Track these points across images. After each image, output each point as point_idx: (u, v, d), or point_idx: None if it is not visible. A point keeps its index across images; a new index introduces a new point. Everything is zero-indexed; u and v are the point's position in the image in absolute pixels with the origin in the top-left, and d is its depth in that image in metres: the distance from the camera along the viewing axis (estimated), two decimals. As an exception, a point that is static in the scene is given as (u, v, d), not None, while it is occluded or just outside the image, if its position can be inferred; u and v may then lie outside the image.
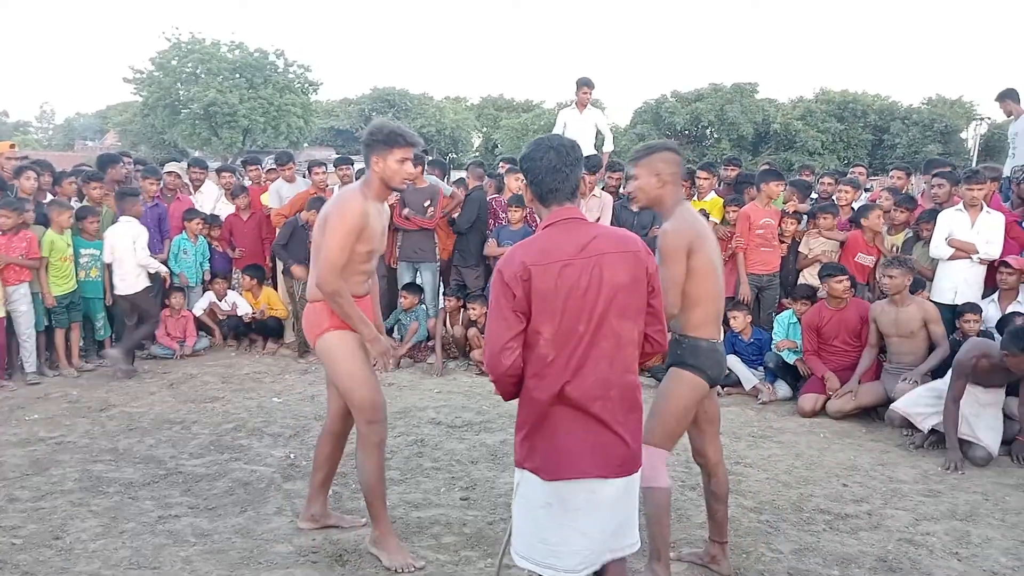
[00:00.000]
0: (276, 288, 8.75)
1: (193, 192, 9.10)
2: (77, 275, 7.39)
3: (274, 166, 9.36)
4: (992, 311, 6.45)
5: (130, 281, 7.43)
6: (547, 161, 2.69)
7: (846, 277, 6.63)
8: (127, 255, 7.39)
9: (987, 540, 4.23)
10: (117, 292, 7.48)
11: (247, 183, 9.40)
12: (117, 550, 3.88)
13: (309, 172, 8.88)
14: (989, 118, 38.50)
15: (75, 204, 7.75)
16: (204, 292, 8.54)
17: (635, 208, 7.64)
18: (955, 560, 4.00)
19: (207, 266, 8.57)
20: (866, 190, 9.21)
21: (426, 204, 8.08)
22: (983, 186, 6.63)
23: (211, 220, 8.72)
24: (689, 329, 3.49)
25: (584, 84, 9.64)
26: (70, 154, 42.01)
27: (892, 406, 5.95)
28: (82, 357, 7.57)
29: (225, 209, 8.96)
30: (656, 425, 3.48)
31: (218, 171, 9.82)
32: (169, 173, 8.62)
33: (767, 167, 8.89)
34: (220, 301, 8.44)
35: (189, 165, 9.45)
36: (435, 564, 3.81)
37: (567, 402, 2.61)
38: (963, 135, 41.60)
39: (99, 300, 7.63)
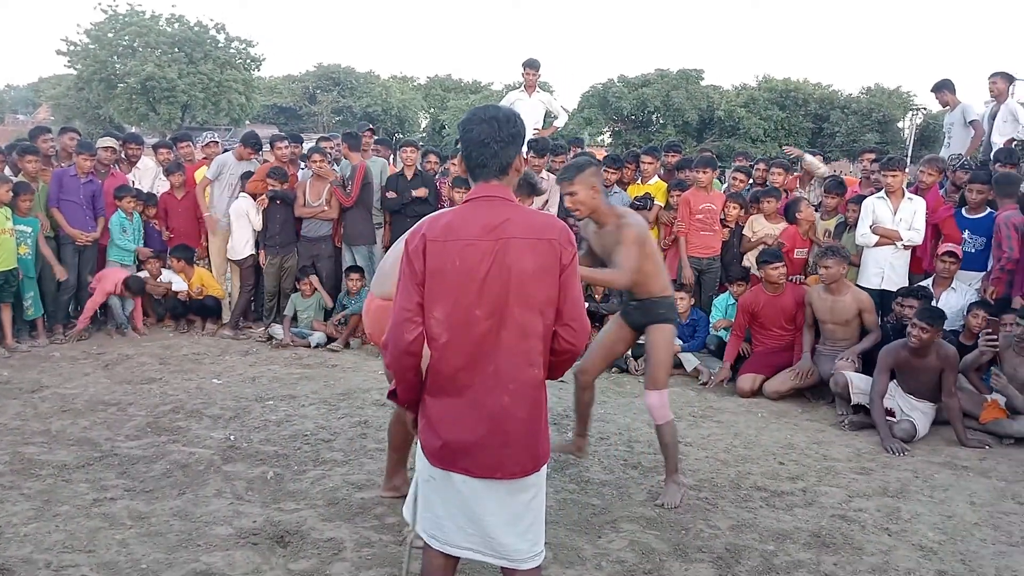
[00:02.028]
0: (211, 268, 8.59)
1: (130, 169, 8.84)
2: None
3: (215, 139, 9.15)
4: (926, 296, 6.64)
5: (238, 249, 8.33)
6: (476, 133, 2.51)
7: (781, 264, 6.78)
8: (239, 224, 8.26)
9: (916, 516, 4.38)
10: (229, 256, 8.45)
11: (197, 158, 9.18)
12: (50, 533, 3.79)
13: (271, 147, 8.71)
14: (925, 108, 39.52)
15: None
16: (138, 271, 8.33)
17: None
18: (886, 535, 4.13)
19: (141, 243, 8.36)
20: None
21: (348, 184, 8.09)
22: (898, 173, 6.80)
23: (147, 199, 8.50)
24: (660, 291, 4.38)
25: (529, 66, 9.62)
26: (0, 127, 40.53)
27: (842, 369, 6.11)
28: (14, 337, 7.33)
29: (164, 186, 8.74)
30: (656, 372, 4.35)
31: (155, 147, 9.55)
32: (105, 148, 8.35)
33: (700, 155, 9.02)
34: (154, 280, 8.25)
35: (125, 141, 9.16)
36: (379, 544, 3.80)
37: (461, 391, 2.48)
38: (900, 125, 42.66)
39: (30, 279, 7.39)
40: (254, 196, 8.17)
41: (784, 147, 8.98)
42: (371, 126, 9.38)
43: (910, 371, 5.72)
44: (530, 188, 4.62)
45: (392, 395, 2.65)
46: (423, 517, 2.66)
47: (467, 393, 2.48)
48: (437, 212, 2.61)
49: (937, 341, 5.63)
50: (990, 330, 5.86)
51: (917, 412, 5.74)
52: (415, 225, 2.57)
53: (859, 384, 5.95)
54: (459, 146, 2.61)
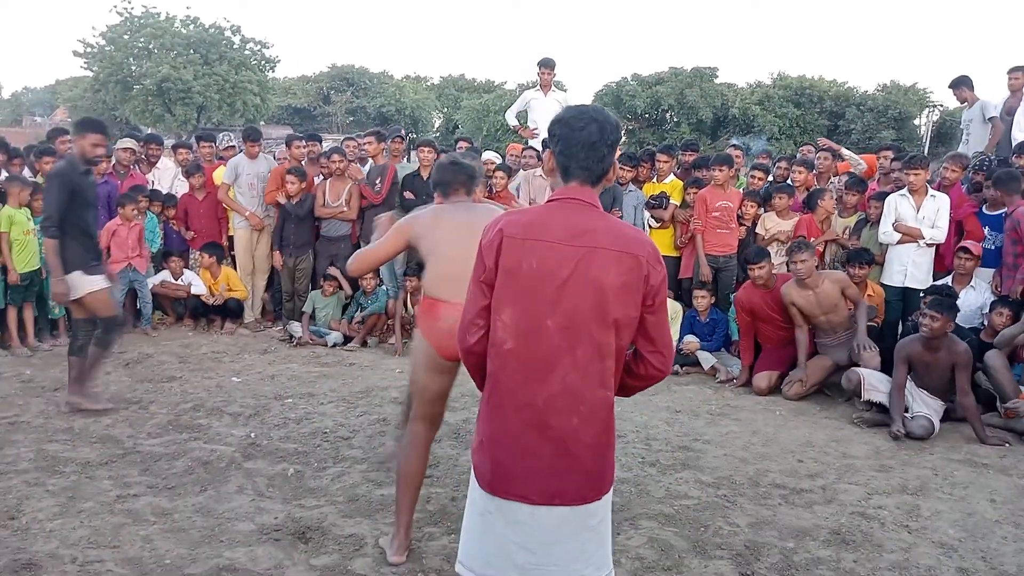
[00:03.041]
0: (235, 268, 8.63)
1: (149, 169, 8.92)
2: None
3: (232, 144, 9.20)
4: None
5: None
6: (587, 134, 2.28)
7: (761, 263, 6.73)
8: None
9: (936, 513, 4.37)
10: None
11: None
12: (75, 529, 3.84)
13: (287, 147, 8.76)
14: (942, 105, 39.26)
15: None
16: (157, 271, 8.39)
17: None
18: (906, 532, 4.12)
19: (157, 244, 8.41)
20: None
21: (377, 181, 8.11)
22: (920, 171, 6.77)
23: (166, 200, 8.57)
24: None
25: (544, 65, 9.64)
26: (18, 130, 40.88)
27: (855, 368, 6.09)
28: (36, 337, 7.40)
29: (183, 187, 8.80)
30: None
31: (174, 148, 9.63)
32: (124, 150, 8.42)
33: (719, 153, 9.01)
34: (176, 280, 8.31)
35: (145, 142, 9.24)
36: (398, 540, 3.82)
37: (522, 408, 2.27)
38: (916, 122, 42.36)
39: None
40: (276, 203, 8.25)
41: (819, 139, 8.99)
42: (402, 132, 9.43)
43: (923, 365, 5.72)
44: (469, 179, 3.81)
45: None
46: (467, 551, 2.42)
47: (529, 411, 2.26)
48: (519, 209, 2.40)
49: (950, 337, 5.62)
50: None
51: (929, 409, 5.73)
52: (492, 220, 2.38)
53: (873, 381, 5.92)
54: (558, 145, 2.35)
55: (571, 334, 2.23)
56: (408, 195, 8.15)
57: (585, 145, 2.29)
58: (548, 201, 2.35)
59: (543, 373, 2.25)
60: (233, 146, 9.17)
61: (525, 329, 2.25)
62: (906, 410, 5.74)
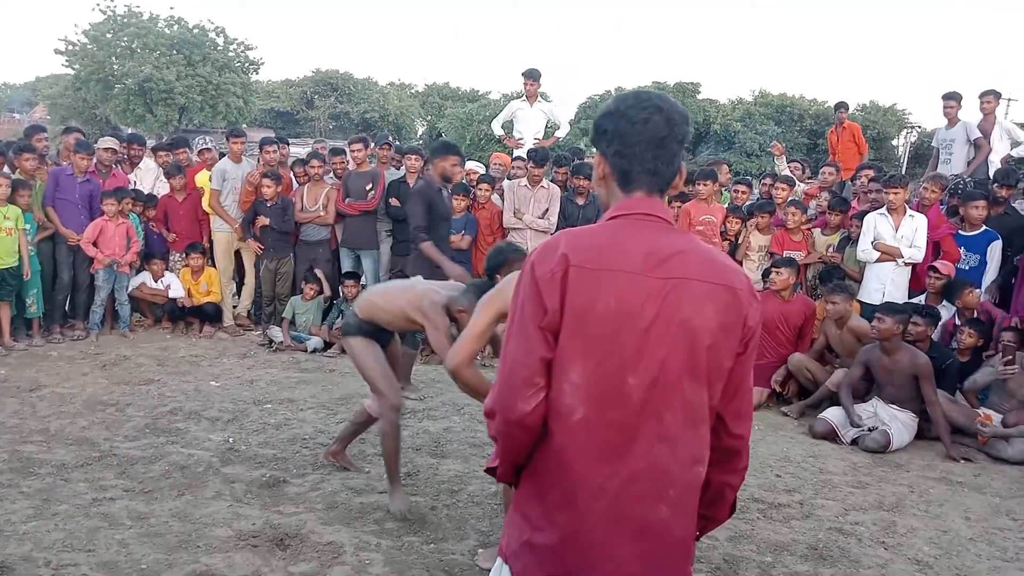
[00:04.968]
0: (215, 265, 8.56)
1: (131, 169, 8.83)
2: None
3: (208, 146, 9.08)
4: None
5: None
6: (652, 127, 1.76)
7: (780, 269, 6.82)
8: None
9: (912, 530, 4.41)
10: None
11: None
12: (50, 532, 3.79)
13: (260, 150, 8.71)
14: (920, 126, 39.87)
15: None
16: (138, 272, 8.30)
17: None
18: (882, 548, 4.16)
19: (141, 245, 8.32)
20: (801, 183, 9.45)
21: (367, 187, 8.10)
22: (899, 190, 6.85)
23: (147, 201, 8.49)
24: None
25: (528, 76, 9.67)
26: (-5, 126, 40.39)
27: (821, 415, 6.14)
28: (12, 336, 7.30)
29: (165, 188, 8.71)
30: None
31: (154, 150, 9.52)
32: (105, 149, 8.33)
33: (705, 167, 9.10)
34: (156, 282, 8.23)
35: (128, 141, 9.15)
36: (378, 549, 3.81)
37: (594, 497, 1.71)
38: (895, 142, 42.93)
39: (34, 274, 7.36)
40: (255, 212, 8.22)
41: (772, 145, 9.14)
42: (388, 140, 9.48)
43: (884, 371, 5.87)
44: (521, 253, 4.14)
45: (492, 471, 1.90)
46: None
47: (603, 500, 1.71)
48: (577, 228, 1.81)
49: (909, 347, 5.81)
50: (1010, 357, 5.88)
51: (897, 422, 5.81)
52: (546, 242, 1.81)
53: (845, 421, 6.00)
54: (611, 144, 1.82)
55: (658, 394, 1.70)
56: (393, 201, 8.13)
57: (651, 142, 1.77)
58: (611, 218, 1.81)
59: (621, 449, 1.71)
60: (209, 148, 9.01)
61: (601, 391, 1.70)
62: (872, 429, 5.82)
